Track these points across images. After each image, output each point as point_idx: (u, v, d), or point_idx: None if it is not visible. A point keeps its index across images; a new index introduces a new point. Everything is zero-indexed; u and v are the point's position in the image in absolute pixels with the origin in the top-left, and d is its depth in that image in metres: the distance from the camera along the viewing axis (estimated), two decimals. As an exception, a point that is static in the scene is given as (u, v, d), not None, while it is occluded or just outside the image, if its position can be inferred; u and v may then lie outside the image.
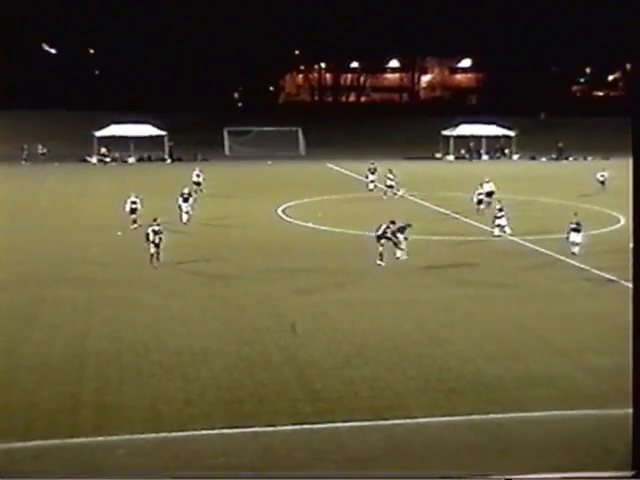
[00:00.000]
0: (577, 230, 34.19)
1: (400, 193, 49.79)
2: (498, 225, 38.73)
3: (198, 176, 50.86)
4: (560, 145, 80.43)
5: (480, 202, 44.47)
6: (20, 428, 17.47)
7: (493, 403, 19.06)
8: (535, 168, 73.53)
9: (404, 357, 22.05)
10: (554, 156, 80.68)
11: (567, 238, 34.35)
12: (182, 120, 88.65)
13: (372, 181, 53.98)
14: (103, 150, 72.93)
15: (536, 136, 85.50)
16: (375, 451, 16.71)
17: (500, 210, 39.05)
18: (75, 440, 17.05)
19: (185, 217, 40.77)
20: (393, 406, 18.84)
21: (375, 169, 54.52)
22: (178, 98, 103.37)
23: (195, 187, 48.66)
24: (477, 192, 44.97)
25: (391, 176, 50.61)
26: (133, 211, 39.23)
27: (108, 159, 71.91)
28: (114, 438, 17.16)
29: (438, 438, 17.30)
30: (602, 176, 53.89)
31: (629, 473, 12.39)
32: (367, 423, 17.96)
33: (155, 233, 31.30)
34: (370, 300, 27.67)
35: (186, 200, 41.08)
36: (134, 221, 38.84)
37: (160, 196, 46.66)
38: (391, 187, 50.37)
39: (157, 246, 31.43)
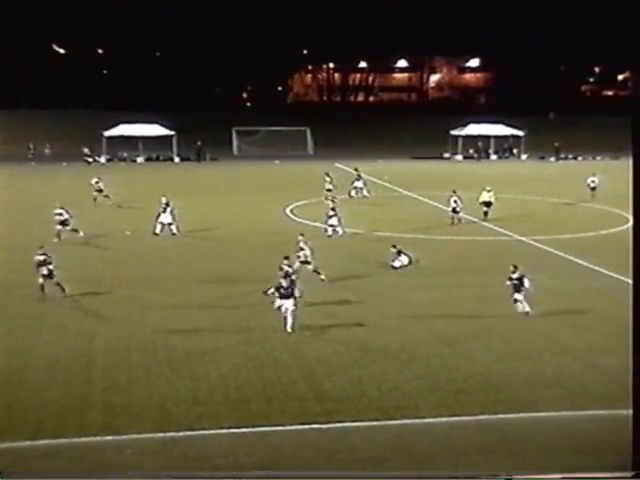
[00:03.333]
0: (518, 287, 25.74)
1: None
2: (331, 225, 37.96)
3: (97, 183, 48.00)
4: (557, 145, 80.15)
5: (455, 211, 41.96)
6: (29, 427, 17.52)
7: (501, 403, 19.02)
8: (544, 168, 73.37)
9: (412, 357, 22.03)
10: (562, 156, 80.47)
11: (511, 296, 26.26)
12: (191, 120, 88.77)
13: (356, 187, 51.16)
14: (86, 150, 71.71)
15: (545, 136, 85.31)
16: (383, 451, 16.69)
17: (333, 210, 38.28)
18: (84, 439, 17.08)
19: (158, 227, 38.27)
20: (401, 406, 18.82)
21: (360, 176, 52.14)
22: (187, 98, 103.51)
23: (97, 194, 47.06)
24: (480, 200, 43.82)
25: (328, 179, 49.76)
26: (62, 223, 36.96)
27: (90, 159, 70.89)
28: (123, 437, 17.19)
29: (446, 438, 17.28)
30: (593, 182, 50.79)
31: (629, 473, 12.36)
32: (375, 423, 17.95)
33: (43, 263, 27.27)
34: (378, 299, 27.66)
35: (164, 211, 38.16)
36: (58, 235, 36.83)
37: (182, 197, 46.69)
38: (330, 190, 48.51)
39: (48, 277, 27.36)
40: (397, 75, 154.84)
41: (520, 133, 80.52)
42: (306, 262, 29.38)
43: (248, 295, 28.08)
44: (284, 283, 23.92)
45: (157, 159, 74.52)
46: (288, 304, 23.66)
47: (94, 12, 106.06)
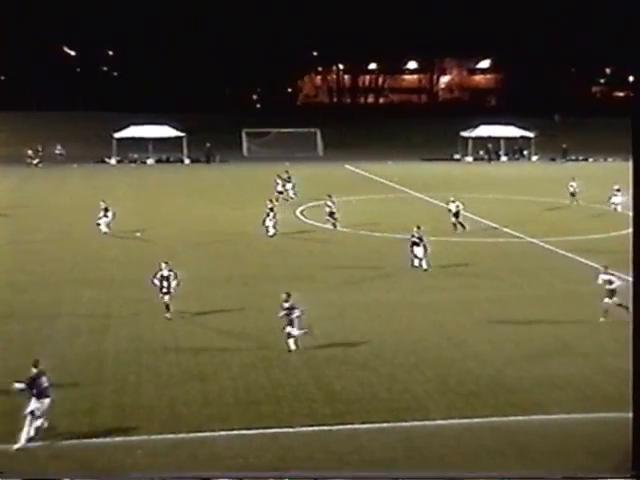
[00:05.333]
0: (417, 244, 31.96)
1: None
2: (266, 226, 38.44)
3: None
4: (564, 146, 79.87)
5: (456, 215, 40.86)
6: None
7: (512, 405, 18.98)
8: (554, 169, 73.13)
9: (422, 359, 22.00)
10: (572, 157, 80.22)
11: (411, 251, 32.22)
12: (201, 121, 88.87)
13: (284, 190, 50.36)
14: (29, 152, 69.66)
15: (555, 137, 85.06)
16: (393, 453, 16.67)
17: (271, 210, 38.74)
18: (94, 440, 17.13)
19: None
20: (411, 408, 18.80)
21: (290, 177, 51.80)
22: (197, 99, 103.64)
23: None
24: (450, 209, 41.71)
25: (280, 181, 49.93)
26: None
27: (36, 160, 68.99)
28: (133, 438, 17.23)
29: (457, 440, 17.24)
30: (571, 186, 49.52)
31: (629, 474, 12.32)
32: (385, 425, 17.93)
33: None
34: (388, 301, 27.63)
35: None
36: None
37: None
38: (281, 193, 49.23)
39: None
40: (407, 76, 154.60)
41: (530, 134, 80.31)
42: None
43: (257, 296, 28.09)
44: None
45: (167, 161, 74.61)
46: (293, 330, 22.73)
47: (104, 13, 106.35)
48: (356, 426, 17.84)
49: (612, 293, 24.64)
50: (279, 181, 50.50)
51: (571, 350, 22.87)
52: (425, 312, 26.47)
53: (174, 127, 75.85)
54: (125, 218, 43.08)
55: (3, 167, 66.11)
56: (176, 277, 25.49)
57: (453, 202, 41.09)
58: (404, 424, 17.96)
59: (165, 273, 25.38)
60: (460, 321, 25.48)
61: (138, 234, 38.68)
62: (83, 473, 15.75)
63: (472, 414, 18.44)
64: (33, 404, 17.03)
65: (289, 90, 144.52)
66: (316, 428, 17.78)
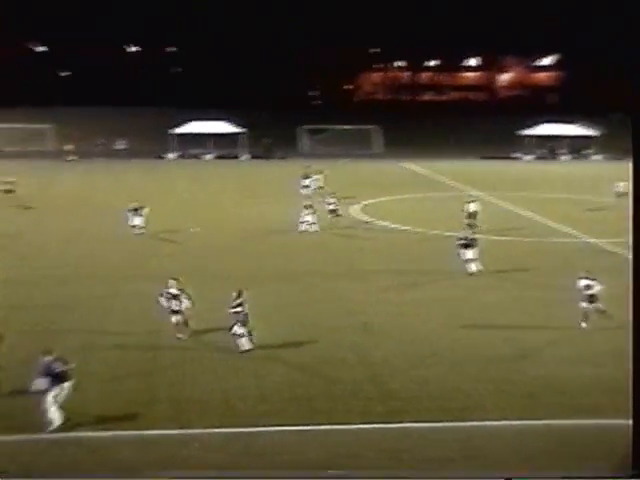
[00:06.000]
0: (469, 245, 31.06)
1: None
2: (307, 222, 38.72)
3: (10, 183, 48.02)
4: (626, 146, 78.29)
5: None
6: (95, 419, 17.87)
7: (570, 408, 18.74)
8: (617, 169, 71.83)
9: (479, 358, 21.83)
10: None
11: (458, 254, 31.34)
12: (260, 118, 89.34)
13: (306, 186, 50.16)
14: (68, 148, 70.69)
15: (619, 136, 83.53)
16: (447, 452, 16.57)
17: (310, 206, 38.99)
18: (151, 432, 17.35)
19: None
20: (467, 408, 18.67)
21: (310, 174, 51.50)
22: (256, 96, 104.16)
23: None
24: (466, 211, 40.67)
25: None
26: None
27: (70, 157, 69.66)
28: (189, 431, 17.41)
29: (513, 441, 17.08)
30: (619, 187, 46.70)
31: (629, 474, 12.17)
32: (440, 424, 17.83)
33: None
34: (445, 300, 27.48)
35: None
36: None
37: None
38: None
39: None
40: (467, 74, 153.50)
41: (593, 133, 79.00)
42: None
43: (314, 292, 28.18)
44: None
45: (226, 156, 75.17)
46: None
47: (167, 10, 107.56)
48: (410, 424, 17.78)
49: (592, 298, 24.21)
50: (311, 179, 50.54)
51: (627, 353, 22.45)
52: (481, 312, 26.25)
53: (234, 123, 76.41)
54: (181, 213, 43.60)
55: (67, 161, 67.55)
56: (189, 297, 23.20)
57: (473, 202, 40.51)
58: (460, 424, 17.84)
59: (174, 291, 23.16)
60: (516, 321, 25.22)
61: (192, 230, 39.00)
62: (139, 463, 15.97)
63: (529, 415, 18.25)
64: (53, 390, 17.36)
65: (348, 87, 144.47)
66: (370, 426, 17.76)
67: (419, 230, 39.98)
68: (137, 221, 37.93)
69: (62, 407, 17.47)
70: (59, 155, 70.30)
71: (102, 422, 17.68)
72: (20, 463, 15.99)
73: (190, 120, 75.65)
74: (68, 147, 71.62)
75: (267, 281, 29.81)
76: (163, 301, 23.21)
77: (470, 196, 43.09)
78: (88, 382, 19.46)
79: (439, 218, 43.05)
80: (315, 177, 51.40)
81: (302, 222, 38.85)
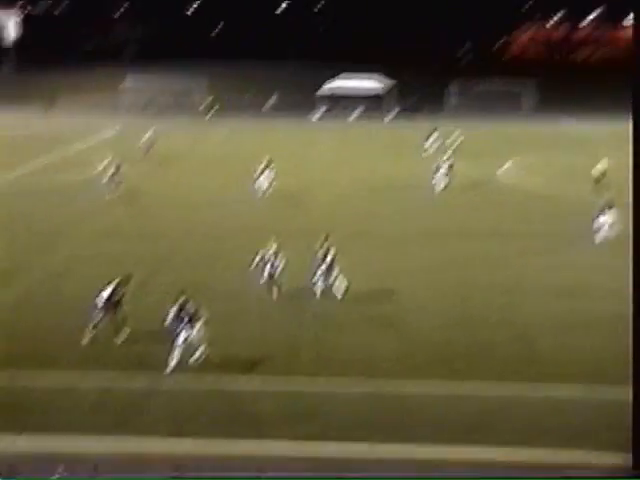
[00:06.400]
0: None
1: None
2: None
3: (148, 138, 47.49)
4: None
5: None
6: (244, 364, 18.45)
7: None
8: None
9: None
10: None
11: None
12: (408, 75, 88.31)
13: (431, 144, 49.04)
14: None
15: None
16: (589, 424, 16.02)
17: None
18: (293, 386, 17.61)
19: None
20: (620, 374, 17.95)
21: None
22: (404, 53, 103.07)
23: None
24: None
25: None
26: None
27: (210, 112, 70.87)
28: (330, 386, 17.54)
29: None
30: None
31: (629, 473, 11.60)
32: (581, 394, 17.22)
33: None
34: (595, 265, 26.47)
35: None
36: None
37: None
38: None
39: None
40: (626, 31, 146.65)
41: None
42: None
43: (462, 252, 27.77)
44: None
45: (373, 114, 74.77)
46: None
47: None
48: (554, 390, 17.30)
49: None
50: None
51: None
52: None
53: (381, 80, 75.91)
54: (325, 171, 43.74)
55: (220, 116, 69.14)
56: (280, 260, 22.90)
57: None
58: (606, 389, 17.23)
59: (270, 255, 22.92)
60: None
61: (336, 188, 38.97)
62: (278, 417, 16.27)
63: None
64: (184, 332, 18.14)
65: (500, 44, 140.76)
66: (513, 389, 17.41)
67: (566, 194, 38.59)
68: (265, 183, 36.70)
69: (193, 348, 18.11)
70: (207, 111, 71.82)
71: (241, 369, 18.13)
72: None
73: (338, 77, 75.63)
74: (214, 102, 73.04)
75: (422, 239, 29.65)
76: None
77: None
78: (225, 330, 20.01)
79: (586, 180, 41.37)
80: (436, 135, 50.40)
81: (437, 181, 38.26)
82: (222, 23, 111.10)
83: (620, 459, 14.12)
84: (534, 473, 14.34)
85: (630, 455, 13.82)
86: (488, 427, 15.87)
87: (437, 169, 38.55)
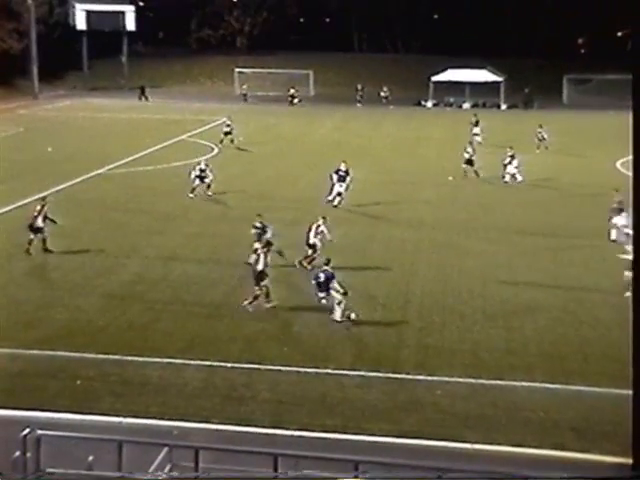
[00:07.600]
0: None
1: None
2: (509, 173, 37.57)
3: (228, 126, 47.38)
4: None
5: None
6: (348, 358, 18.53)
7: None
8: None
9: None
10: None
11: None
12: (520, 66, 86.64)
13: (475, 134, 48.07)
14: (292, 91, 73.03)
15: None
16: None
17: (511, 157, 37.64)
18: (397, 375, 17.58)
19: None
20: None
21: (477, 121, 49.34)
22: (517, 43, 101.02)
23: (223, 137, 47.28)
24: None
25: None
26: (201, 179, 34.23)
27: (296, 100, 72.58)
28: (434, 378, 17.45)
29: None
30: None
31: (629, 473, 10.94)
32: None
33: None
34: None
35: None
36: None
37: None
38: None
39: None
40: None
41: None
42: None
43: (567, 249, 27.13)
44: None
45: (483, 105, 73.70)
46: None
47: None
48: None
49: None
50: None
51: None
52: None
53: (492, 71, 74.77)
54: (436, 160, 43.26)
55: (329, 106, 69.58)
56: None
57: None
58: None
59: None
60: None
61: (450, 178, 38.66)
62: (385, 406, 16.27)
63: None
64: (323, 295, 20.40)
65: (619, 34, 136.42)
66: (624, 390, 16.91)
67: None
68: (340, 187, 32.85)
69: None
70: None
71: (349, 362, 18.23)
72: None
73: (448, 68, 74.87)
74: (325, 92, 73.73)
75: (521, 234, 29.17)
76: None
77: None
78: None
79: None
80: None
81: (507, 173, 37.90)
82: (331, 15, 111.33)
83: (620, 459, 13.54)
84: (534, 472, 13.88)
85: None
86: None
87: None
